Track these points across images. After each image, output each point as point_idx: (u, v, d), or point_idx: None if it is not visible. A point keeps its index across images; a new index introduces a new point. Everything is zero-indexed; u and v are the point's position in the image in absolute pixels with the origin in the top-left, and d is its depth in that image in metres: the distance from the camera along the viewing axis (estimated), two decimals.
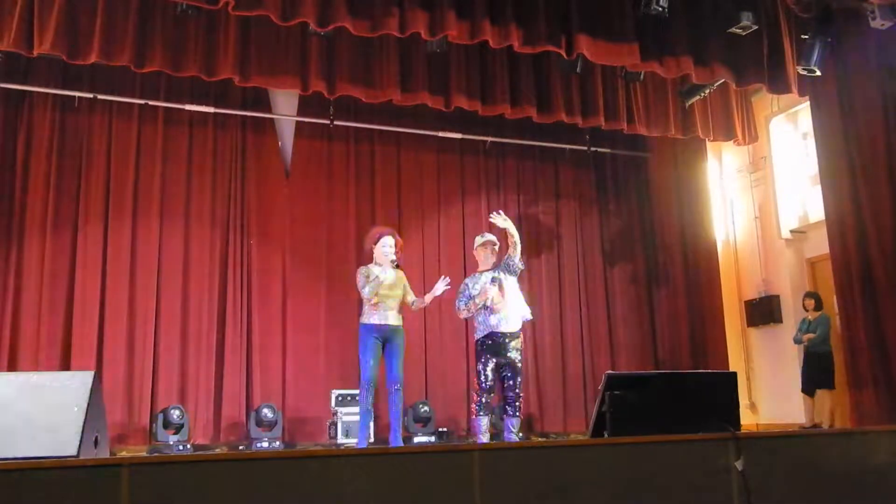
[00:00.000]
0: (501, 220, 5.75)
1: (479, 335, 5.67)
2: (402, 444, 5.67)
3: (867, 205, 6.94)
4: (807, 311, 7.98)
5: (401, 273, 5.69)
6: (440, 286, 5.65)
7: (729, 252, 9.32)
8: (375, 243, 5.61)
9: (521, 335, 5.76)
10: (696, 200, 9.28)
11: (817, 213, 8.08)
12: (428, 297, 5.70)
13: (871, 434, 3.84)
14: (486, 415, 5.57)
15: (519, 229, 9.32)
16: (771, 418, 8.43)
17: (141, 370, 7.60)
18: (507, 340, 5.59)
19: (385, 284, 5.49)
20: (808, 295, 8.01)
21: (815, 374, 7.65)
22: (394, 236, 5.67)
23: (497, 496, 2.87)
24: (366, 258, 5.86)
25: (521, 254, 5.85)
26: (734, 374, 4.08)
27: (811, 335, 7.69)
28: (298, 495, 2.61)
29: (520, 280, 6.03)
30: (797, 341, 7.89)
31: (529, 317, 5.85)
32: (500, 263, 5.83)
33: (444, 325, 8.62)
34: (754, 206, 9.10)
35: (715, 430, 3.32)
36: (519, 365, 5.62)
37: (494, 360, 5.57)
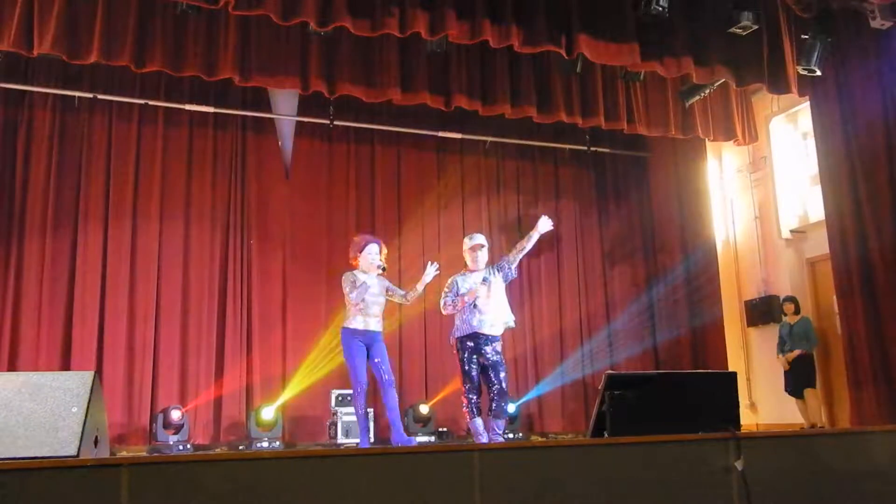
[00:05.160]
0: (547, 228, 5.78)
1: (459, 334, 5.58)
2: (406, 440, 5.65)
3: (867, 205, 6.94)
4: (786, 315, 8.00)
5: (383, 279, 5.70)
6: (430, 272, 5.66)
7: (729, 252, 9.31)
8: (361, 251, 5.63)
9: (501, 340, 5.69)
10: (696, 200, 9.28)
11: (817, 213, 8.08)
12: (420, 286, 5.69)
13: (871, 434, 3.84)
14: (480, 415, 5.54)
15: (519, 229, 9.44)
16: (771, 418, 8.43)
17: (141, 370, 7.60)
18: (487, 342, 5.53)
19: (371, 291, 5.52)
20: (786, 299, 8.06)
21: (802, 376, 7.71)
22: (378, 244, 5.70)
23: (497, 496, 2.87)
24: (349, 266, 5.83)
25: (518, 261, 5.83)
26: (734, 374, 4.07)
27: (798, 352, 7.67)
28: (298, 495, 2.61)
29: (519, 280, 6.01)
30: (783, 352, 7.87)
31: (513, 325, 5.79)
32: (496, 263, 5.81)
33: (443, 325, 8.60)
34: (754, 206, 9.10)
35: (715, 430, 3.33)
36: (500, 365, 5.55)
37: (476, 359, 5.53)
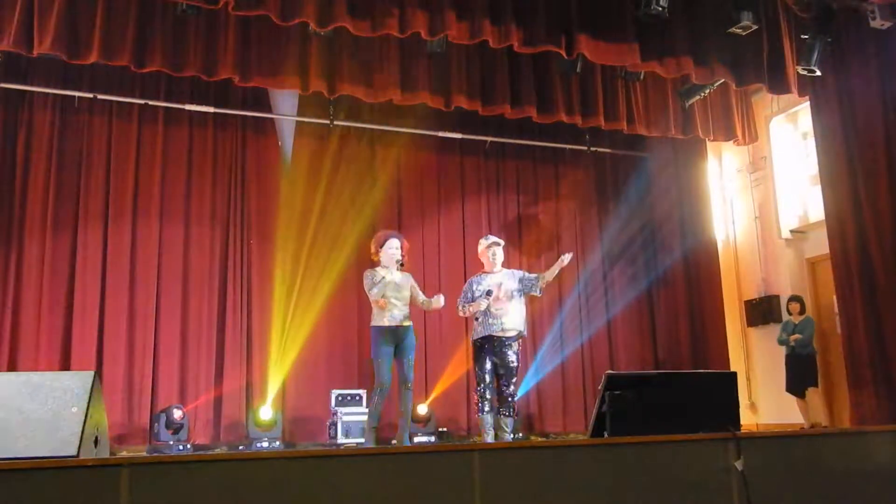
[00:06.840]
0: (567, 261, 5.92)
1: (476, 335, 5.76)
2: (409, 443, 5.70)
3: (867, 205, 6.94)
4: (790, 314, 8.01)
5: (407, 274, 5.75)
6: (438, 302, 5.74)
7: (729, 252, 9.32)
8: (382, 246, 5.66)
9: (520, 340, 5.78)
10: (696, 200, 9.28)
11: (817, 213, 8.08)
12: (436, 301, 5.73)
13: (871, 434, 3.84)
14: (490, 412, 5.61)
15: (519, 229, 9.43)
16: (771, 418, 8.43)
17: (141, 370, 7.59)
18: (504, 343, 5.61)
19: (392, 285, 5.54)
20: (792, 298, 8.07)
21: (803, 376, 7.73)
22: (399, 238, 5.73)
23: (497, 496, 2.87)
24: (371, 262, 5.88)
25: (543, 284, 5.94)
26: (734, 374, 4.08)
27: (798, 336, 7.73)
28: (298, 495, 2.61)
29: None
30: (782, 342, 7.92)
31: (524, 334, 5.90)
32: (519, 275, 5.90)
33: (444, 324, 8.62)
34: (754, 206, 9.10)
35: (715, 430, 3.33)
36: (514, 367, 5.64)
37: (491, 359, 5.62)
